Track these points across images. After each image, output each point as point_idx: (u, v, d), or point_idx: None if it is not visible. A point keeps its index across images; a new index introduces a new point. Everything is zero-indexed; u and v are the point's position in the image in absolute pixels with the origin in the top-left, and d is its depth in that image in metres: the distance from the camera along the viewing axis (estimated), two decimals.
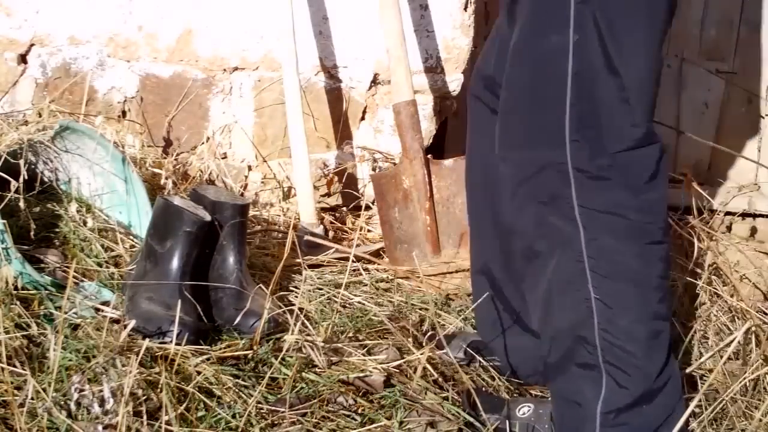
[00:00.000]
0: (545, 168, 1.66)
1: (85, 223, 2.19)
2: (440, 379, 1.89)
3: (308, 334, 1.93)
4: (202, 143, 2.72)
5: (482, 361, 2.01)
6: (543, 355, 1.81)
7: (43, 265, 2.02)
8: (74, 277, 1.97)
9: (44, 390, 1.57)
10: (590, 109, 1.62)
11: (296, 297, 2.13)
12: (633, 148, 1.63)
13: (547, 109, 1.65)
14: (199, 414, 1.64)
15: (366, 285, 2.33)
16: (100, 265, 2.09)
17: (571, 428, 1.75)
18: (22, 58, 2.67)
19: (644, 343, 1.69)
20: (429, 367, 1.90)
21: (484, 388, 1.94)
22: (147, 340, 1.74)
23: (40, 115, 2.50)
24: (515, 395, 1.96)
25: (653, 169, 1.66)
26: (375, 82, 2.74)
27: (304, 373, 1.81)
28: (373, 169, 2.74)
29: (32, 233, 2.05)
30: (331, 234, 2.64)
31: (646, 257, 1.68)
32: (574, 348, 1.72)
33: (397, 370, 1.89)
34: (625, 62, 1.61)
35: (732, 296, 2.31)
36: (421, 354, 1.89)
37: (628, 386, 1.69)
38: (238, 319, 1.92)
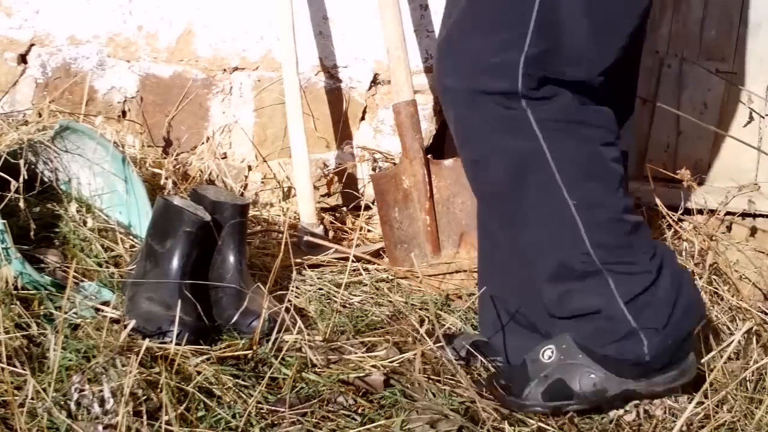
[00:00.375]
0: (495, 93, 1.70)
1: (85, 223, 2.19)
2: (440, 379, 1.89)
3: (308, 334, 1.93)
4: (202, 143, 2.72)
5: (484, 360, 2.01)
6: (539, 298, 1.82)
7: (43, 265, 2.02)
8: (74, 277, 1.97)
9: (44, 390, 1.57)
10: (553, 33, 1.68)
11: (296, 297, 2.13)
12: (587, 79, 1.72)
13: (507, 30, 1.69)
14: (199, 414, 1.64)
15: (366, 285, 2.33)
16: (100, 265, 2.09)
17: (605, 336, 1.77)
18: (22, 58, 2.67)
19: (627, 237, 1.76)
20: (427, 366, 1.89)
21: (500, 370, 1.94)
22: (147, 340, 1.74)
23: (40, 115, 2.50)
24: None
25: (601, 97, 1.75)
26: (375, 82, 2.74)
27: (304, 373, 1.81)
28: (373, 169, 2.74)
29: (32, 233, 2.05)
30: (331, 234, 2.64)
31: (604, 156, 1.76)
32: (568, 263, 1.76)
33: (397, 370, 1.89)
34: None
35: (733, 296, 2.31)
36: (417, 351, 1.89)
37: (633, 272, 1.76)
38: (237, 318, 1.92)
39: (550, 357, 1.81)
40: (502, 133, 1.73)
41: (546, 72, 1.69)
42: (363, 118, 2.78)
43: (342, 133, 2.76)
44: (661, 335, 1.77)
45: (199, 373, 1.72)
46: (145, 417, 1.56)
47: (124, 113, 2.71)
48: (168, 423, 1.56)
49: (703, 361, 2.07)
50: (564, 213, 1.73)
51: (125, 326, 1.76)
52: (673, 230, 2.51)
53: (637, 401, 1.85)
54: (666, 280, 1.79)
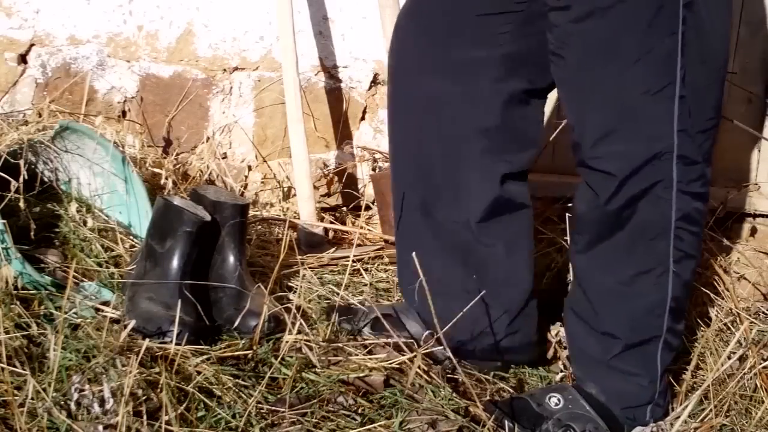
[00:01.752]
0: (655, 157, 1.72)
1: (85, 223, 2.19)
2: (440, 379, 1.89)
3: (307, 334, 1.93)
4: (202, 143, 2.72)
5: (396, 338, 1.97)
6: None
7: (43, 265, 2.02)
8: (74, 277, 1.97)
9: (44, 390, 1.57)
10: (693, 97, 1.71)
11: (296, 297, 2.13)
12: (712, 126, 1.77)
13: (657, 102, 1.71)
14: (199, 414, 1.64)
15: (366, 285, 2.33)
16: (100, 265, 2.09)
17: (630, 399, 1.83)
18: (22, 58, 2.67)
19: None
20: (423, 367, 1.89)
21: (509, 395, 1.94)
22: (147, 340, 1.74)
23: (40, 115, 2.50)
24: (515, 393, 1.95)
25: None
26: (375, 82, 2.74)
27: (304, 373, 1.81)
28: (373, 169, 2.74)
29: (32, 233, 2.05)
30: (331, 234, 2.64)
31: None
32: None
33: (398, 371, 1.89)
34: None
35: (732, 298, 2.31)
36: (414, 355, 1.89)
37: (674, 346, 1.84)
38: (238, 319, 1.92)
39: (557, 404, 1.83)
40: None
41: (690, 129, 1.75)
42: (363, 118, 2.78)
43: (342, 133, 2.76)
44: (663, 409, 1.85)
45: (199, 373, 1.72)
46: (145, 417, 1.56)
47: (124, 113, 2.71)
48: (168, 423, 1.56)
49: (702, 362, 2.08)
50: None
51: (125, 326, 1.76)
52: None
53: None
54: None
